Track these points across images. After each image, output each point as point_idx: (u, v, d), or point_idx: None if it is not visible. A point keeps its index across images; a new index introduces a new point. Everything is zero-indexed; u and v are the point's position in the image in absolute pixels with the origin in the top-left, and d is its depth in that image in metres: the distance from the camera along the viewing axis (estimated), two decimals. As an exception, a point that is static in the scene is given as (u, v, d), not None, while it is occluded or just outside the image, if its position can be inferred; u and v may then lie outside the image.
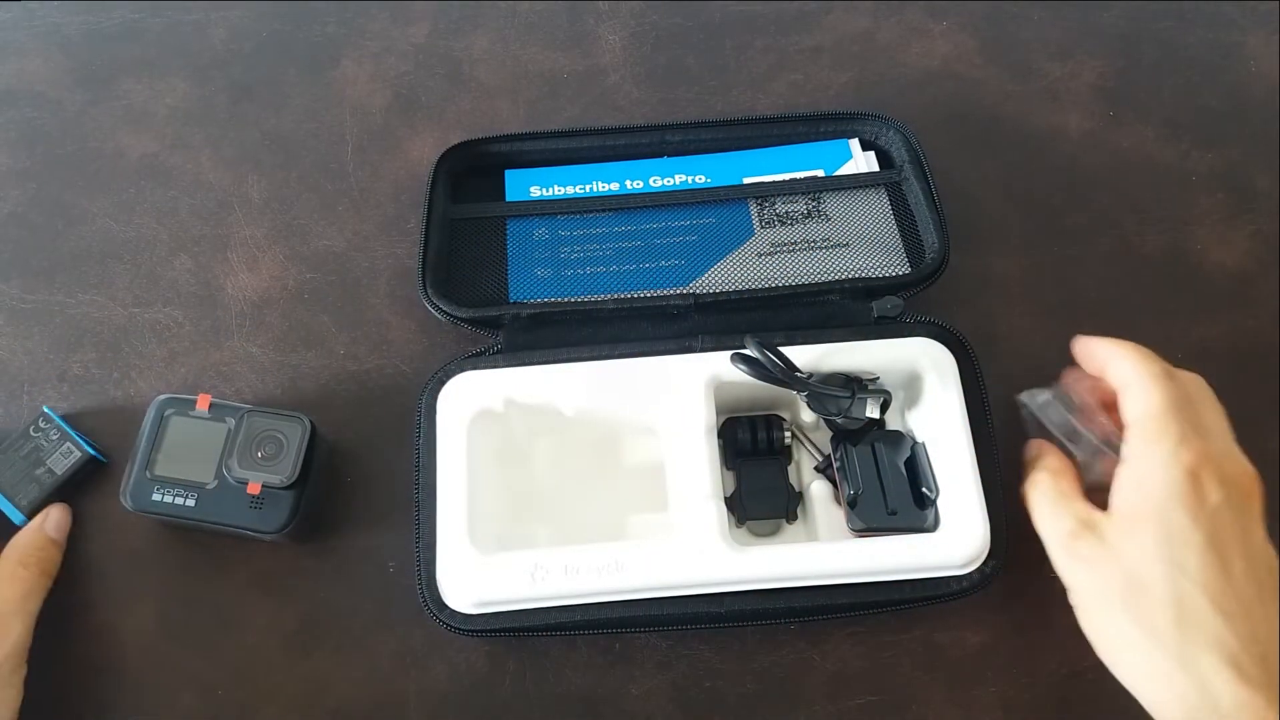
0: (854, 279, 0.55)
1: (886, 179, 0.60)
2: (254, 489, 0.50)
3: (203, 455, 0.51)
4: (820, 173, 0.60)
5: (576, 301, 0.55)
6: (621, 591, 0.47)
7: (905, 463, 0.50)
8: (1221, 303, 0.59)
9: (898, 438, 0.51)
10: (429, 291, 0.54)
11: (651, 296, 0.55)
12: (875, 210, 0.59)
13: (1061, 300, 0.59)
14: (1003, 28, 0.69)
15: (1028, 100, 0.66)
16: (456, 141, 0.59)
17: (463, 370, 0.52)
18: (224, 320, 0.59)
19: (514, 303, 0.56)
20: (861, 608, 0.48)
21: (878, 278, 0.55)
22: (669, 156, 0.62)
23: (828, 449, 0.52)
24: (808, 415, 0.53)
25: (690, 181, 0.61)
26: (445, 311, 0.54)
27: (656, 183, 0.61)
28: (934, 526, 0.48)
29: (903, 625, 0.51)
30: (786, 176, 0.60)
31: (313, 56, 0.68)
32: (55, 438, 0.53)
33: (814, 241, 0.58)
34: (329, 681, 0.51)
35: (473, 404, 0.50)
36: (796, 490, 0.52)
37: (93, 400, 0.57)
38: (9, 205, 0.62)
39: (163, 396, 0.52)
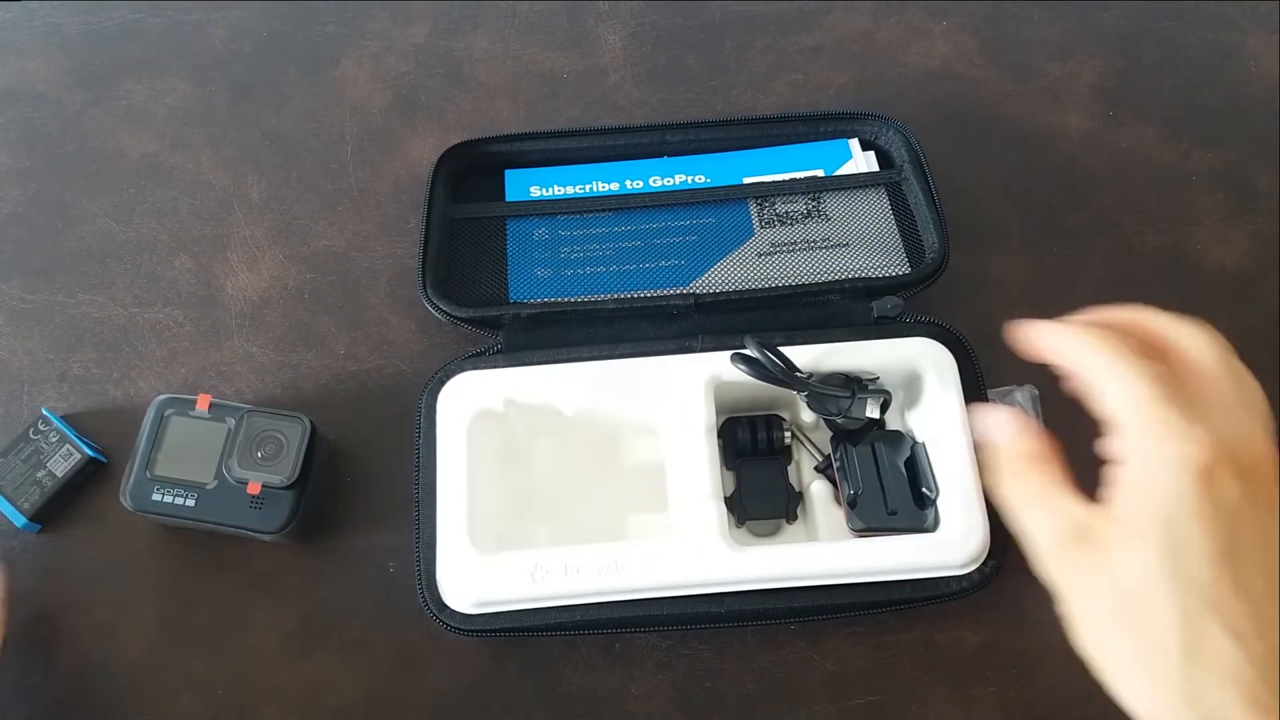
0: (854, 279, 0.55)
1: (886, 179, 0.60)
2: (254, 489, 0.50)
3: (203, 455, 0.51)
4: (820, 173, 0.60)
5: (576, 301, 0.55)
6: (621, 591, 0.47)
7: (905, 463, 0.50)
8: (1221, 303, 0.59)
9: (897, 438, 0.51)
10: (429, 291, 0.54)
11: (651, 296, 0.55)
12: (875, 210, 0.59)
13: (1061, 300, 0.59)
14: (1003, 28, 0.69)
15: (1028, 100, 0.66)
16: (456, 141, 0.60)
17: (463, 370, 0.52)
18: (224, 320, 0.59)
19: (514, 303, 0.56)
20: (861, 608, 0.48)
21: (878, 278, 0.55)
22: (669, 156, 0.62)
23: (828, 449, 0.52)
24: (808, 415, 0.53)
25: (690, 181, 0.61)
26: (445, 311, 0.54)
27: (656, 183, 0.61)
28: (934, 526, 0.48)
29: (903, 625, 0.51)
30: (786, 176, 0.60)
31: (313, 56, 0.68)
32: (55, 440, 0.53)
33: (814, 241, 0.58)
34: (329, 681, 0.51)
35: (473, 404, 0.50)
36: (796, 490, 0.52)
37: (93, 400, 0.57)
38: (9, 205, 0.62)
39: (163, 396, 0.52)
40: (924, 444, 0.51)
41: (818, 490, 0.51)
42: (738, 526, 0.51)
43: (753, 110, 0.66)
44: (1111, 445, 0.35)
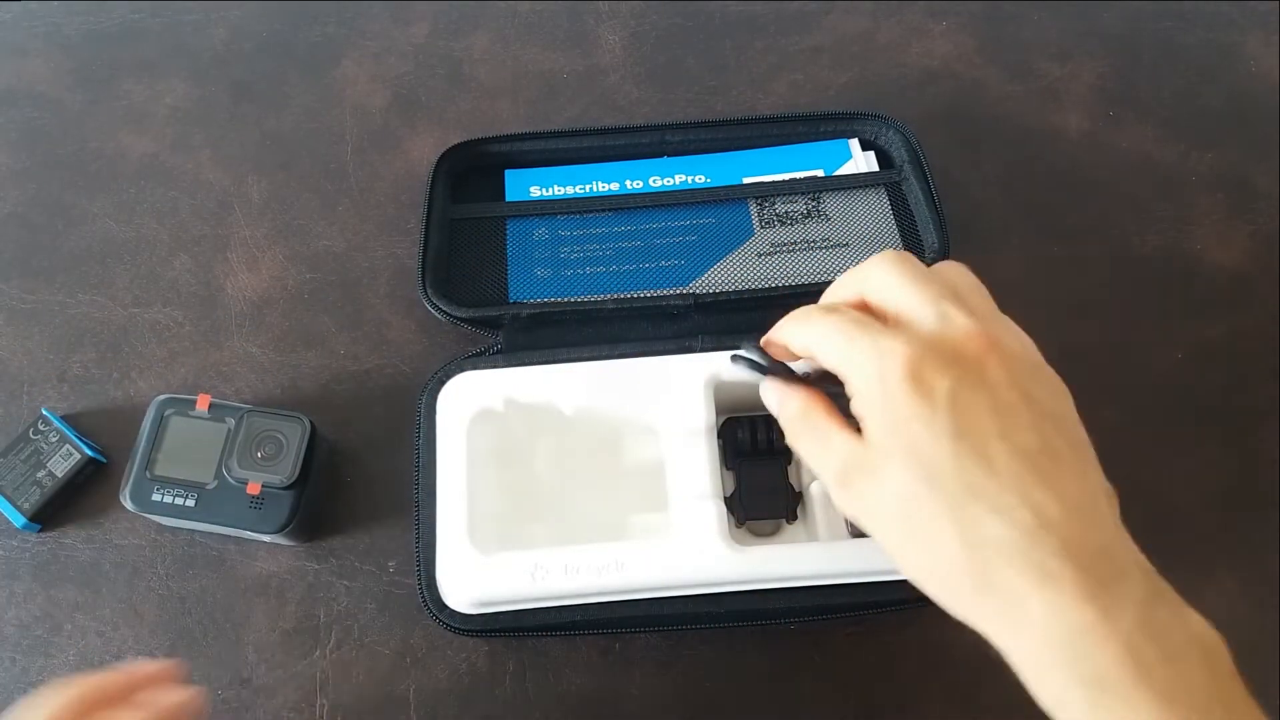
0: (854, 279, 0.55)
1: (886, 179, 0.60)
2: (254, 489, 0.50)
3: (203, 455, 0.51)
4: (820, 173, 0.60)
5: (576, 301, 0.55)
6: (621, 591, 0.47)
7: None
8: (1221, 303, 0.59)
9: None
10: (429, 291, 0.54)
11: (651, 296, 0.55)
12: (875, 210, 0.59)
13: (1061, 300, 0.59)
14: (1003, 28, 0.69)
15: (1028, 100, 0.66)
16: (456, 141, 0.60)
17: (463, 370, 0.52)
18: (224, 320, 0.59)
19: (514, 303, 0.56)
20: (861, 608, 0.48)
21: (878, 278, 0.55)
22: (669, 156, 0.62)
23: None
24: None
25: (690, 181, 0.61)
26: (445, 311, 0.54)
27: (656, 183, 0.61)
28: None
29: (903, 625, 0.51)
30: (786, 176, 0.60)
31: (313, 56, 0.68)
32: (55, 440, 0.53)
33: (814, 241, 0.58)
34: (329, 681, 0.51)
35: (473, 404, 0.50)
36: (796, 490, 0.52)
37: (93, 400, 0.57)
38: (9, 205, 0.62)
39: (163, 396, 0.52)
40: None
41: (818, 490, 0.51)
42: (738, 526, 0.51)
43: (753, 110, 0.66)
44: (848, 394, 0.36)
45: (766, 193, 0.59)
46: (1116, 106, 0.66)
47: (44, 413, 0.54)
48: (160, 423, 0.52)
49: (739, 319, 0.54)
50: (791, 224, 0.58)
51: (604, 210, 0.59)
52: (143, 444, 0.51)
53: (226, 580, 0.53)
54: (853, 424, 0.36)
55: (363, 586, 0.52)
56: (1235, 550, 0.54)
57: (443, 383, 0.51)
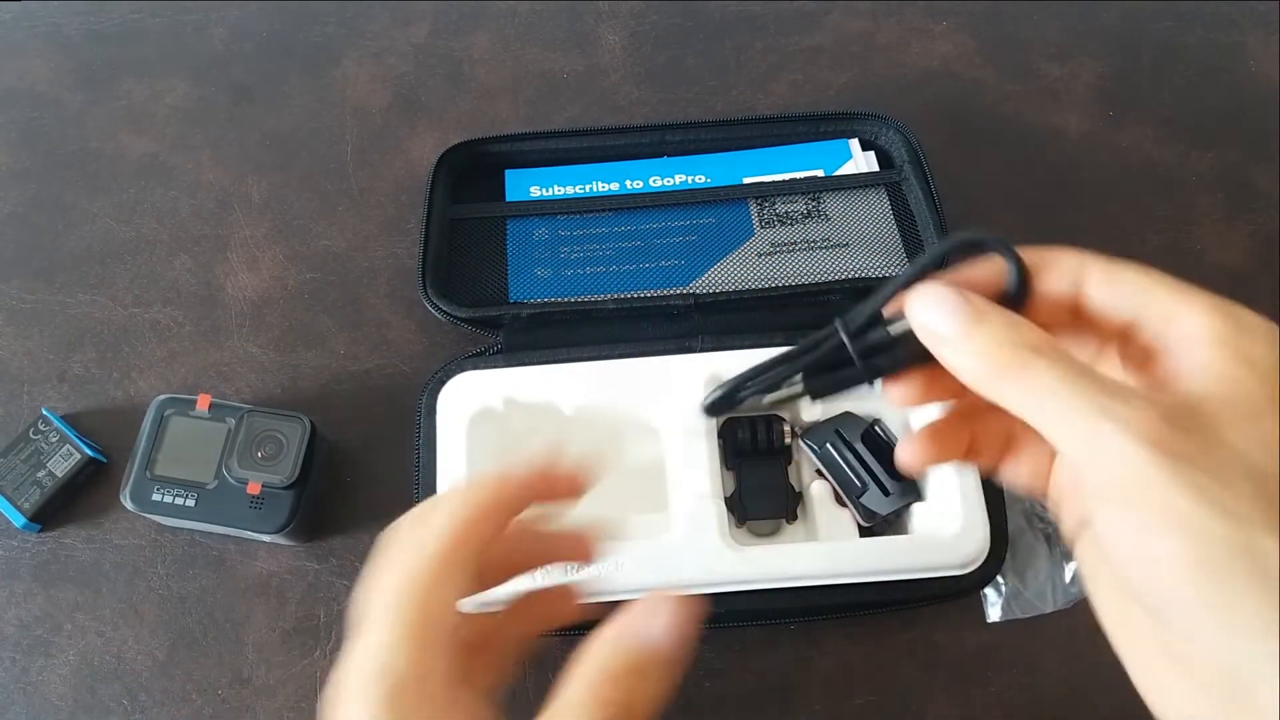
0: (854, 279, 0.55)
1: (886, 179, 0.60)
2: (254, 489, 0.50)
3: (203, 455, 0.51)
4: (820, 173, 0.60)
5: (576, 301, 0.55)
6: (621, 591, 0.47)
7: (866, 442, 0.50)
8: (1221, 303, 0.59)
9: (853, 420, 0.51)
10: (429, 291, 0.54)
11: (651, 296, 0.55)
12: (875, 210, 0.59)
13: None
14: (1003, 28, 0.69)
15: (1027, 100, 0.66)
16: (456, 141, 0.60)
17: (463, 370, 0.52)
18: (224, 320, 0.59)
19: (514, 303, 0.56)
20: (861, 608, 0.48)
21: (877, 278, 0.55)
22: (669, 156, 0.62)
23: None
24: (808, 415, 0.53)
25: (690, 181, 0.61)
26: (445, 311, 0.54)
27: (656, 183, 0.61)
28: (924, 495, 0.50)
29: (903, 625, 0.51)
30: (786, 176, 0.60)
31: (313, 56, 0.68)
32: (55, 440, 0.53)
33: (814, 241, 0.58)
34: (329, 681, 0.50)
35: (473, 404, 0.50)
36: (796, 490, 0.52)
37: (93, 400, 0.57)
38: (9, 205, 0.62)
39: (163, 396, 0.52)
40: (878, 419, 0.51)
41: (818, 490, 0.51)
42: (738, 526, 0.51)
43: (753, 110, 0.66)
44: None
45: (766, 193, 0.59)
46: (1116, 106, 0.66)
47: (44, 413, 0.54)
48: (160, 423, 0.52)
49: (739, 319, 0.54)
50: (791, 224, 0.58)
51: (604, 210, 0.59)
52: (143, 444, 0.51)
53: (226, 580, 0.53)
54: None
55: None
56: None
57: (443, 383, 0.51)
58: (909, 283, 0.29)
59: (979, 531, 0.47)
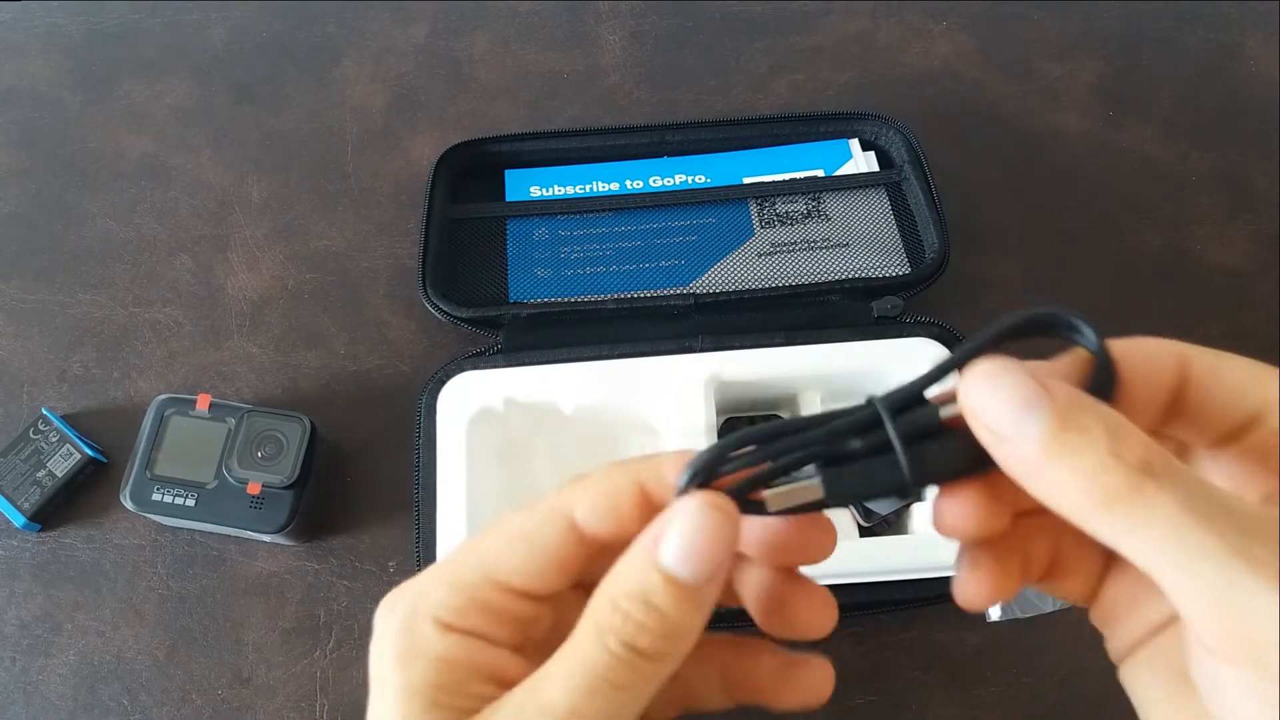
0: (854, 279, 0.55)
1: (886, 179, 0.60)
2: (254, 489, 0.50)
3: (203, 455, 0.51)
4: (820, 173, 0.60)
5: (576, 301, 0.55)
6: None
7: None
8: (1221, 303, 0.59)
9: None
10: (429, 291, 0.54)
11: (651, 296, 0.55)
12: (875, 210, 0.59)
13: (1061, 300, 0.59)
14: (1003, 28, 0.69)
15: (1027, 100, 0.66)
16: (456, 142, 0.60)
17: (463, 370, 0.52)
18: (224, 320, 0.59)
19: (514, 303, 0.56)
20: (862, 608, 0.48)
21: (877, 278, 0.55)
22: (669, 156, 0.62)
23: None
24: (807, 412, 0.53)
25: (690, 181, 0.61)
26: (445, 311, 0.54)
27: (656, 183, 0.61)
28: (924, 496, 0.49)
29: (903, 625, 0.51)
30: (786, 176, 0.60)
31: (313, 56, 0.68)
32: (55, 440, 0.53)
33: (814, 241, 0.58)
34: (329, 681, 0.51)
35: (473, 404, 0.50)
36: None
37: (93, 400, 0.57)
38: (9, 205, 0.62)
39: (163, 396, 0.52)
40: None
41: (818, 490, 0.51)
42: (738, 526, 0.51)
43: (753, 110, 0.66)
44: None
45: (766, 193, 0.59)
46: (1116, 106, 0.66)
47: (44, 412, 0.54)
48: (160, 422, 0.52)
49: (739, 319, 0.54)
50: (791, 224, 0.58)
51: (604, 210, 0.59)
52: (143, 444, 0.51)
53: (226, 580, 0.53)
54: None
55: (363, 586, 0.52)
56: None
57: (443, 383, 0.51)
58: (962, 362, 0.21)
59: (979, 531, 0.47)
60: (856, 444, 0.22)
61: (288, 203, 0.63)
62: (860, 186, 0.59)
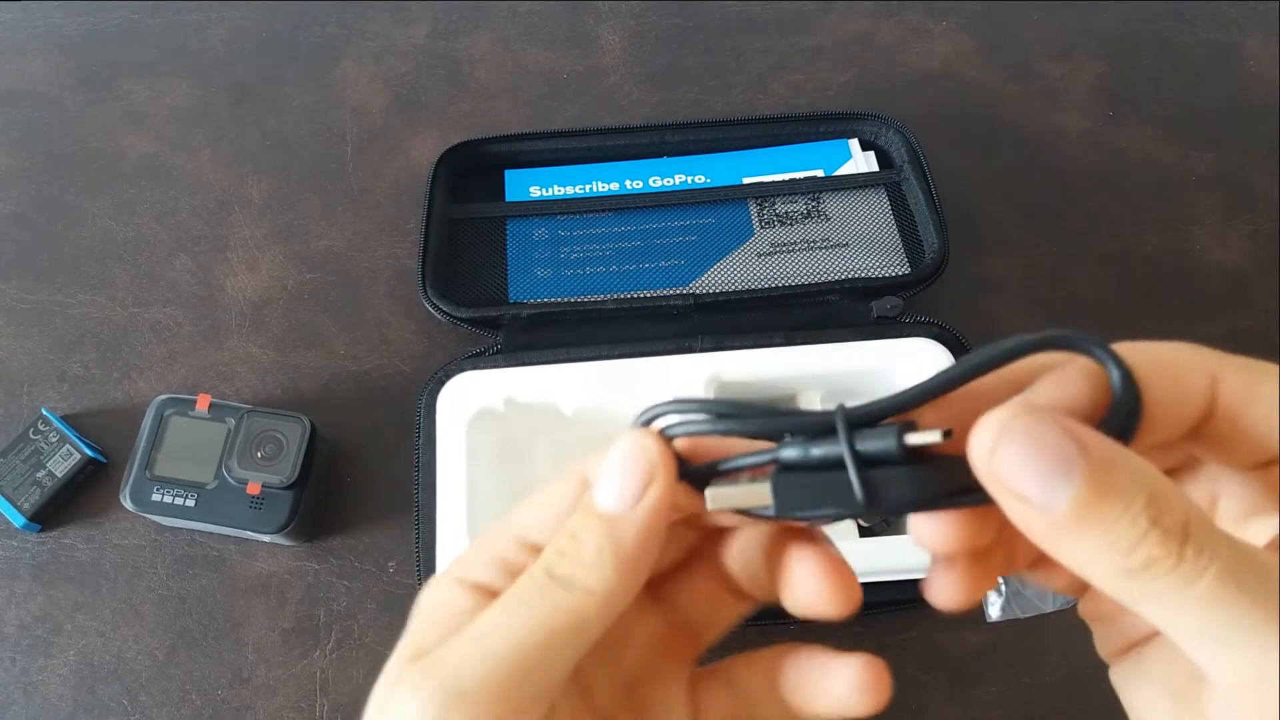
0: (853, 279, 0.55)
1: (886, 179, 0.60)
2: (254, 489, 0.50)
3: (203, 455, 0.51)
4: (820, 173, 0.60)
5: (576, 301, 0.55)
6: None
7: None
8: (1220, 303, 0.59)
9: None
10: (429, 291, 0.54)
11: (651, 296, 0.55)
12: (875, 210, 0.59)
13: (1061, 300, 0.59)
14: (1002, 28, 0.69)
15: (1027, 100, 0.66)
16: (456, 142, 0.60)
17: (463, 370, 0.52)
18: (224, 320, 0.59)
19: (514, 303, 0.56)
20: (861, 607, 0.48)
21: (877, 278, 0.55)
22: (669, 156, 0.62)
23: None
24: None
25: (690, 181, 0.61)
26: (445, 311, 0.54)
27: (656, 183, 0.61)
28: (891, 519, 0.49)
29: (903, 625, 0.51)
30: (786, 176, 0.60)
31: (313, 56, 0.68)
32: (55, 440, 0.53)
33: (814, 241, 0.58)
34: (329, 681, 0.51)
35: (473, 404, 0.50)
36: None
37: (93, 400, 0.57)
38: (9, 205, 0.62)
39: (163, 396, 0.52)
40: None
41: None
42: (738, 526, 0.51)
43: (753, 110, 0.66)
44: None
45: (766, 193, 0.59)
46: (1116, 106, 0.66)
47: (44, 413, 0.54)
48: (160, 423, 0.52)
49: (739, 319, 0.54)
50: (791, 224, 0.58)
51: (604, 210, 0.59)
52: (143, 444, 0.51)
53: (226, 580, 0.53)
54: None
55: (363, 586, 0.52)
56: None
57: (443, 383, 0.51)
58: (954, 384, 0.19)
59: (979, 531, 0.47)
60: (818, 453, 0.20)
61: (288, 203, 0.63)
62: (860, 186, 0.60)
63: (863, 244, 0.57)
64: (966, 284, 0.59)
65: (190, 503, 0.50)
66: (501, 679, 0.20)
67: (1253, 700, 0.17)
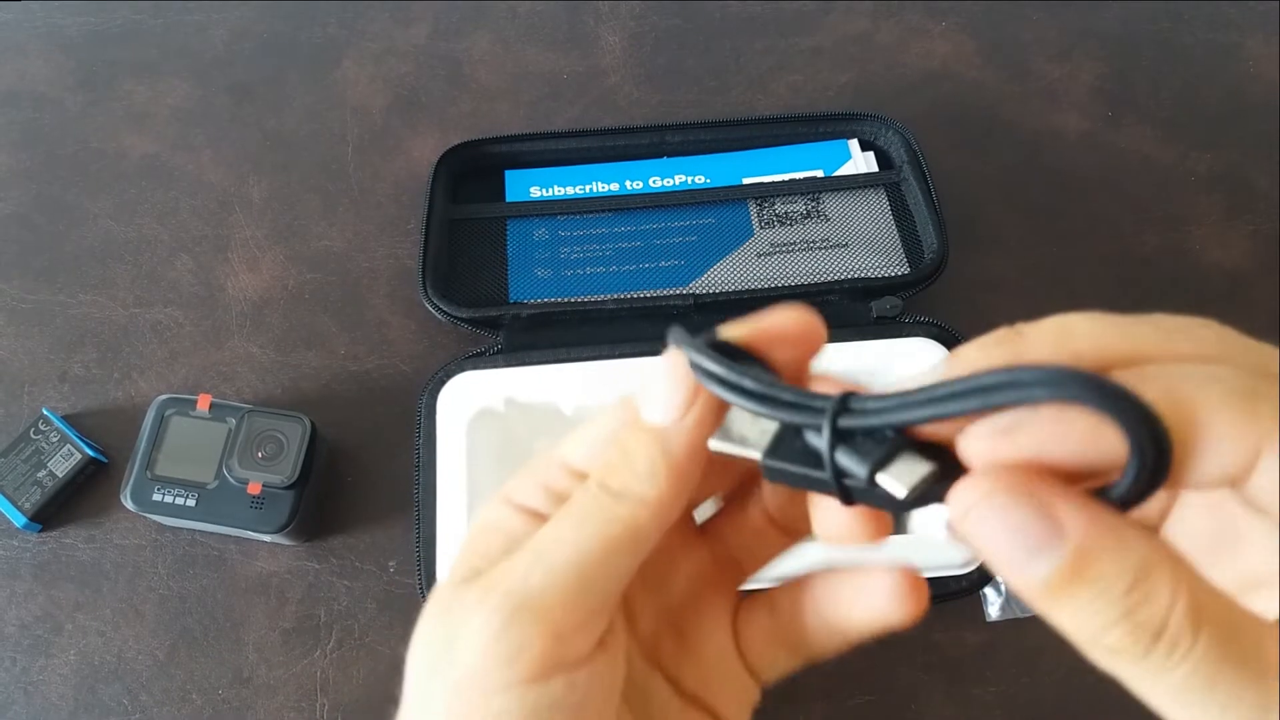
0: (853, 279, 0.55)
1: (886, 179, 0.60)
2: (254, 489, 0.50)
3: (203, 455, 0.51)
4: (819, 173, 0.60)
5: (576, 302, 0.55)
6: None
7: None
8: (1220, 303, 0.59)
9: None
10: (429, 291, 0.55)
11: (651, 296, 0.55)
12: (874, 211, 0.59)
13: (1060, 300, 0.59)
14: (1002, 28, 0.69)
15: (1026, 101, 0.66)
16: (457, 142, 0.60)
17: (463, 370, 0.52)
18: (224, 320, 0.59)
19: (514, 303, 0.56)
20: (861, 607, 0.48)
21: (877, 278, 0.55)
22: (669, 157, 0.62)
23: None
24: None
25: (690, 182, 0.61)
26: (445, 311, 0.54)
27: (656, 183, 0.61)
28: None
29: (902, 625, 0.51)
30: (786, 177, 0.60)
31: (313, 57, 0.68)
32: (56, 440, 0.53)
33: (813, 242, 0.58)
34: (329, 681, 0.51)
35: (473, 404, 0.51)
36: (796, 490, 0.52)
37: (93, 400, 0.57)
38: (10, 205, 0.63)
39: (163, 396, 0.52)
40: None
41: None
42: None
43: (752, 111, 0.66)
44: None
45: (766, 193, 0.59)
46: (1116, 106, 0.66)
47: (45, 413, 0.54)
48: (161, 423, 0.52)
49: (739, 319, 0.54)
50: (791, 224, 0.58)
51: (604, 210, 0.59)
52: (143, 444, 0.51)
53: (226, 580, 0.53)
54: None
55: (363, 586, 0.53)
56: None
57: (443, 383, 0.51)
58: (967, 413, 0.18)
59: (978, 531, 0.47)
60: (813, 443, 0.20)
61: (288, 203, 0.63)
62: (859, 187, 0.60)
63: (862, 244, 0.57)
64: (966, 284, 0.59)
65: (191, 503, 0.50)
66: (565, 591, 0.21)
67: None
